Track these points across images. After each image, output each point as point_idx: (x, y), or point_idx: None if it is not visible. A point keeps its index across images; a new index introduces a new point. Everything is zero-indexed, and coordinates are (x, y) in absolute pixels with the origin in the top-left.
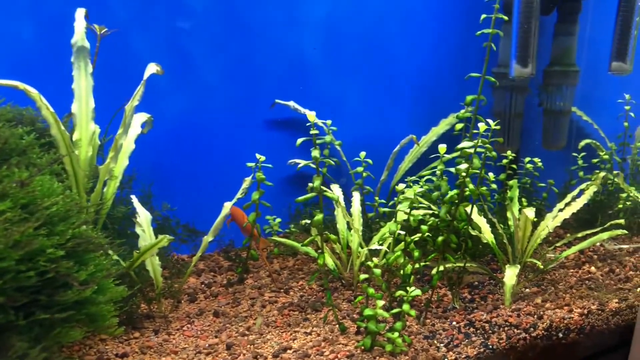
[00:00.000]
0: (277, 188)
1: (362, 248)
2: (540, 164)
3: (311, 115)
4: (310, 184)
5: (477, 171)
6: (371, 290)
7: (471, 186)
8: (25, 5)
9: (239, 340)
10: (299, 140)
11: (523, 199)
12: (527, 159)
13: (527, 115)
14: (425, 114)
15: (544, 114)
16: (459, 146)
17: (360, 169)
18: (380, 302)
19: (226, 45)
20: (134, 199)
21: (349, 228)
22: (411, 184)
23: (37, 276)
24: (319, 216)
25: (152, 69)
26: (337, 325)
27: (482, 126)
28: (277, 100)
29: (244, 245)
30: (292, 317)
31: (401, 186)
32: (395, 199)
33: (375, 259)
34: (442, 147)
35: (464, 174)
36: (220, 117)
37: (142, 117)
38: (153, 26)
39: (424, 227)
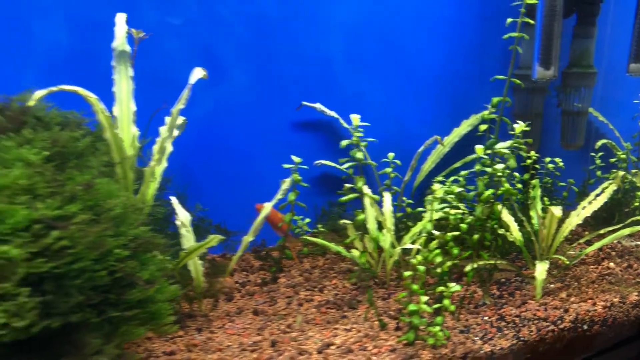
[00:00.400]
0: (302, 189)
1: (394, 247)
2: (561, 164)
3: (355, 119)
4: (347, 185)
5: (508, 171)
6: (415, 287)
7: (507, 185)
8: (61, 10)
9: (281, 338)
10: (344, 143)
11: (545, 198)
12: (548, 159)
13: (546, 115)
14: (446, 115)
15: (563, 115)
16: (497, 146)
17: (388, 169)
18: (424, 298)
19: (253, 48)
20: (174, 200)
21: (380, 228)
22: (439, 184)
23: (107, 276)
24: (361, 216)
25: (198, 73)
26: (376, 322)
27: (517, 127)
28: (303, 103)
29: (279, 245)
30: (329, 314)
31: (437, 186)
32: (428, 197)
33: (418, 257)
34: (480, 149)
35: (499, 173)
36: (246, 118)
37: (178, 120)
38: (182, 29)
39: (463, 226)
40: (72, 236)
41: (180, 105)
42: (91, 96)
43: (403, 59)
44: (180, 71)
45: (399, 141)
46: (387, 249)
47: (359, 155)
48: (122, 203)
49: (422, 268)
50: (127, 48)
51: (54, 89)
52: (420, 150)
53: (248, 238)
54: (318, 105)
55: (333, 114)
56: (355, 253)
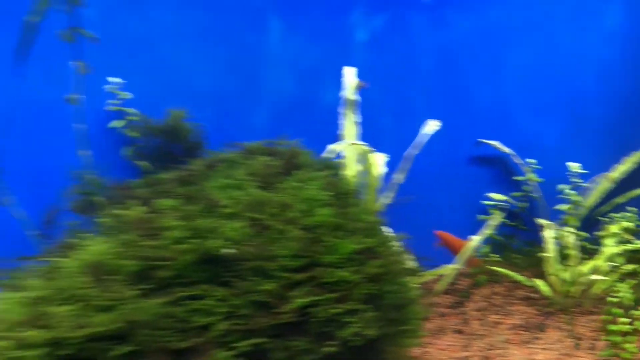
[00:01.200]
0: (478, 220)
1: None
2: None
3: (575, 167)
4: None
5: None
6: (618, 311)
7: None
8: (286, 62)
9: (487, 354)
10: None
11: None
12: None
13: None
14: (609, 152)
15: None
16: None
17: (566, 206)
18: (626, 320)
19: (438, 89)
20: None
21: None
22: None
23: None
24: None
25: (433, 125)
26: (567, 343)
27: None
28: (480, 140)
29: (470, 273)
30: (523, 335)
31: (625, 224)
32: (601, 232)
33: (620, 284)
34: None
35: None
36: (430, 152)
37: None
38: (379, 76)
39: None
40: (385, 265)
41: (415, 150)
42: (367, 149)
43: (570, 99)
44: (377, 115)
45: (564, 177)
46: (570, 279)
47: (578, 198)
48: (389, 236)
49: (627, 295)
50: (355, 97)
51: (349, 143)
52: (587, 185)
53: (456, 267)
54: (495, 143)
55: (508, 150)
56: (537, 282)
